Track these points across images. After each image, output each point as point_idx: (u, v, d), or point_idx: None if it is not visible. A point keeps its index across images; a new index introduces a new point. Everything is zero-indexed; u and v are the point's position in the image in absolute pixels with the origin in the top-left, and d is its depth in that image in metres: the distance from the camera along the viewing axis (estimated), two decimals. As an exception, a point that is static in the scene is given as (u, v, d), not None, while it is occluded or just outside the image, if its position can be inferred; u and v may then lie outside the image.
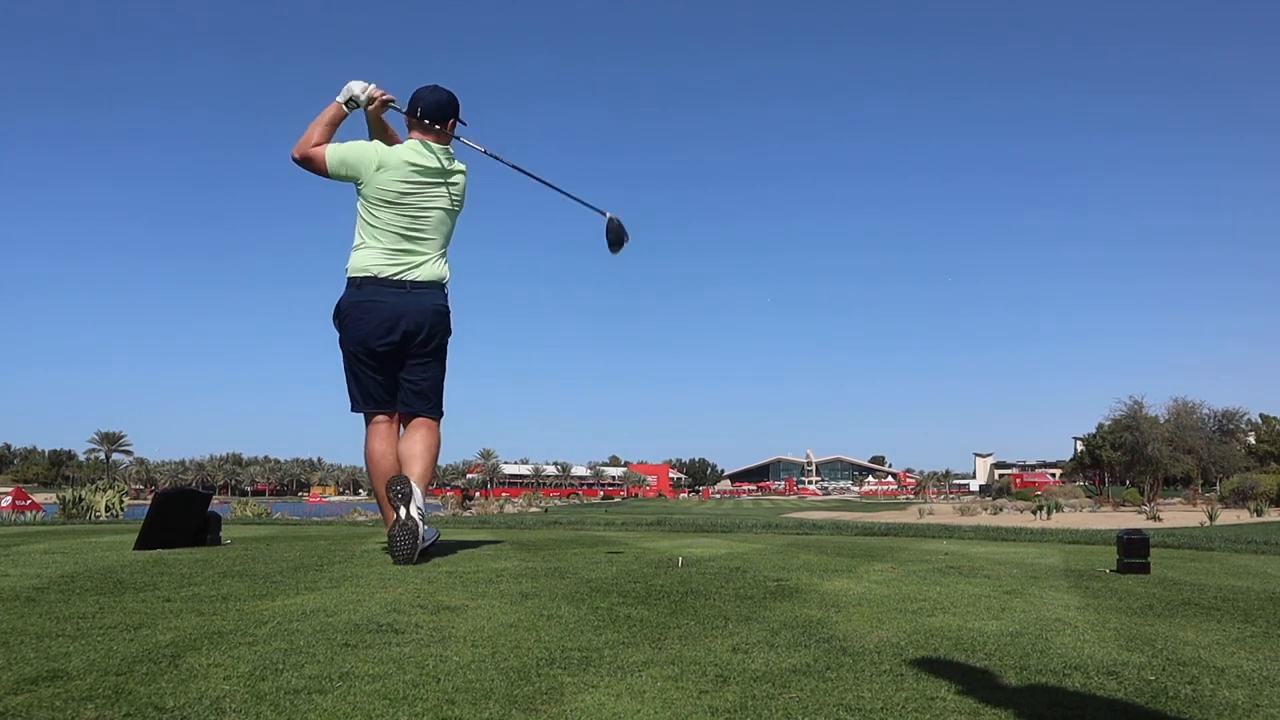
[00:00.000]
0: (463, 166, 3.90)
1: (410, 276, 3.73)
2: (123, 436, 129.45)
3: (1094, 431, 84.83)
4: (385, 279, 3.69)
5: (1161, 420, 72.12)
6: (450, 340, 3.91)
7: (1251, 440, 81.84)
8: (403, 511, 3.45)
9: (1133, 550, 3.61)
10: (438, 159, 3.79)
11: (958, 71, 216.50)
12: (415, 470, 3.67)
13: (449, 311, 3.86)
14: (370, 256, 3.71)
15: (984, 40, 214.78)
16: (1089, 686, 1.76)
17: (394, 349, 3.72)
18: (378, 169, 3.69)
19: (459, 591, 2.74)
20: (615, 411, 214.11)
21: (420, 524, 3.49)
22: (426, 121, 3.81)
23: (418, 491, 3.54)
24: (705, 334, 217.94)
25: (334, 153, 3.70)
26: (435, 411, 3.87)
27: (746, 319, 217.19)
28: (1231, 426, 77.99)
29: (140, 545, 4.09)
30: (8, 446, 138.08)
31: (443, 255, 3.86)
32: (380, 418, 3.81)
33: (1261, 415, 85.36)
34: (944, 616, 2.48)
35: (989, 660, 1.96)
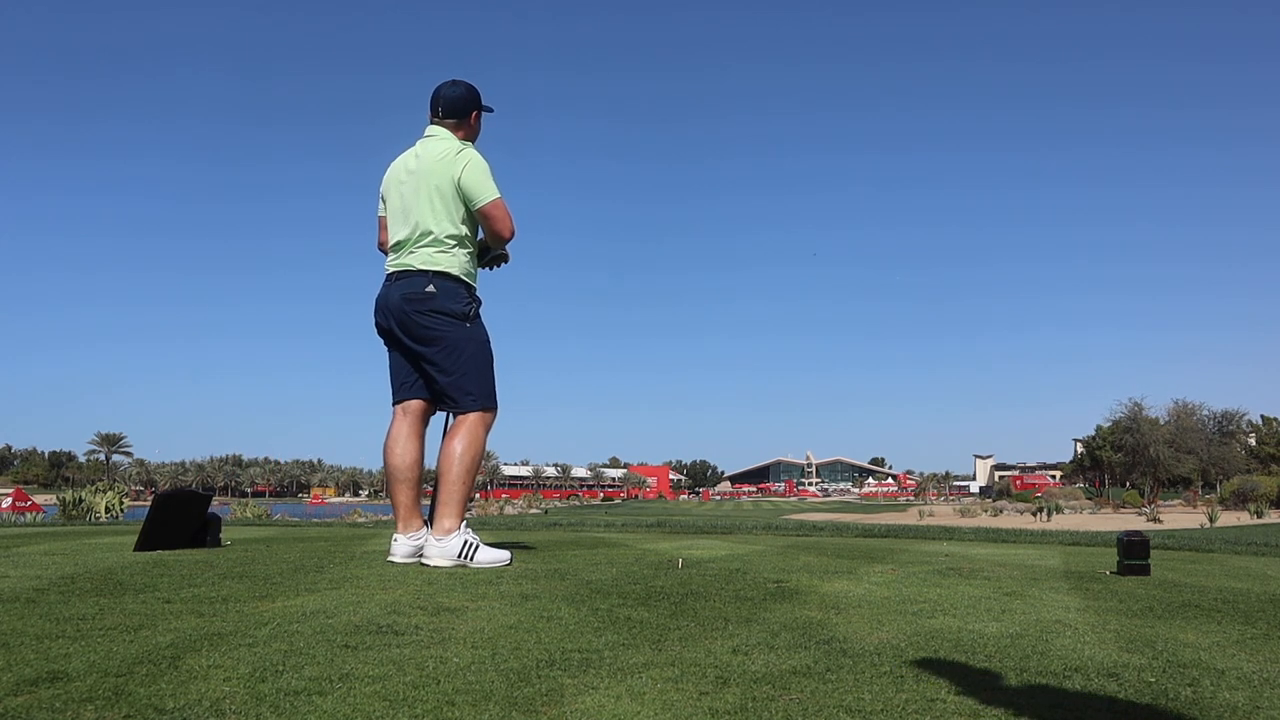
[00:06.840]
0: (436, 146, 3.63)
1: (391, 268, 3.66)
2: (123, 438, 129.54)
3: (1094, 433, 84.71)
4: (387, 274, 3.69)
5: (1162, 422, 71.98)
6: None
7: (1252, 442, 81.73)
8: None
9: (1133, 552, 3.61)
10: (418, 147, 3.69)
11: (957, 84, 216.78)
12: (439, 489, 3.53)
13: (425, 298, 3.51)
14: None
15: (981, 54, 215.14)
16: (1089, 688, 1.76)
17: (390, 341, 3.67)
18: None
19: (459, 593, 2.74)
20: (616, 413, 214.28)
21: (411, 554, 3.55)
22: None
23: (428, 538, 3.51)
24: (706, 337, 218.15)
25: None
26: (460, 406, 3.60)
27: (747, 322, 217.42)
28: (1232, 428, 77.87)
29: (140, 547, 4.09)
30: (8, 448, 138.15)
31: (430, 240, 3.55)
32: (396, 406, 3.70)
33: (1263, 416, 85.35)
34: (944, 618, 2.48)
35: (989, 662, 1.96)
